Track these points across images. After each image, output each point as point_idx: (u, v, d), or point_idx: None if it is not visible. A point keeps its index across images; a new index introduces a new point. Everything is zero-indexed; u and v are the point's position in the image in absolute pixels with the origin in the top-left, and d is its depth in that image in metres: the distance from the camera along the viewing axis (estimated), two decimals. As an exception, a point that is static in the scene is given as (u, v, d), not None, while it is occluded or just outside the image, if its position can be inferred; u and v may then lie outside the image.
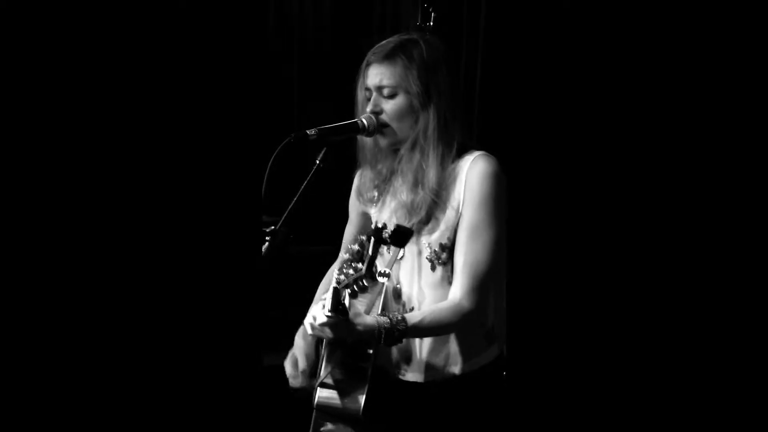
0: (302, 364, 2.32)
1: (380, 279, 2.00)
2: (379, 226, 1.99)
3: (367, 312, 2.20)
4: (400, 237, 1.98)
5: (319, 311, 2.12)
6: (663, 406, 3.12)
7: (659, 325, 3.13)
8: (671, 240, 3.11)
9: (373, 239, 1.98)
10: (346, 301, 2.05)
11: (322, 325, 2.11)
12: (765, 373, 2.97)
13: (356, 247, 2.08)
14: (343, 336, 2.13)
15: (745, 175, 2.98)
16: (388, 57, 2.29)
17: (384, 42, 2.34)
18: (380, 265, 2.19)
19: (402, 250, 2.25)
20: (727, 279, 3.01)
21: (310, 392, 2.28)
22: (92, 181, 1.67)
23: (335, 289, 2.04)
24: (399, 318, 2.15)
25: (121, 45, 1.64)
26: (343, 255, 2.58)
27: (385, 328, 2.12)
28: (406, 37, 2.35)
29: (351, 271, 2.03)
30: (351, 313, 2.09)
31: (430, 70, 2.28)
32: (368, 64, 2.32)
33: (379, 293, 2.24)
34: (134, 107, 1.69)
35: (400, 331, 2.15)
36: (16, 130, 1.61)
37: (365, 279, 2.00)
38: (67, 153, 1.67)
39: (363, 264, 2.00)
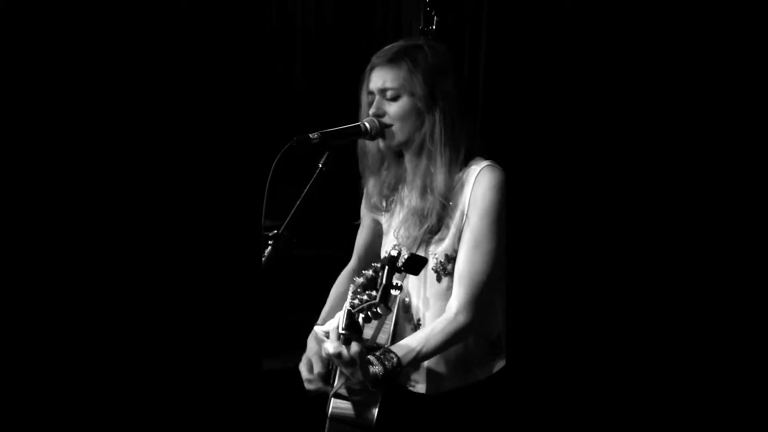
0: (317, 367, 2.31)
1: (393, 292, 1.99)
2: (393, 253, 1.98)
3: (374, 337, 2.20)
4: (414, 265, 1.97)
5: (332, 329, 2.12)
6: (665, 411, 3.11)
7: (662, 333, 3.12)
8: (674, 246, 3.10)
9: (387, 267, 1.97)
10: (360, 320, 2.05)
11: (333, 349, 2.10)
12: (765, 373, 2.96)
13: (370, 272, 2.04)
14: (349, 372, 2.13)
15: (745, 176, 2.97)
16: (392, 60, 2.27)
17: (388, 46, 2.33)
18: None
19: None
20: (727, 279, 3.00)
21: (325, 394, 2.28)
22: (91, 186, 1.66)
23: (349, 311, 2.04)
24: (394, 363, 2.14)
25: (117, 44, 1.63)
26: (354, 261, 2.59)
27: (381, 376, 2.13)
28: (411, 42, 2.34)
29: (365, 297, 2.01)
30: (356, 349, 2.08)
31: (436, 75, 2.27)
32: (372, 68, 2.31)
33: (390, 317, 2.24)
34: (132, 108, 1.68)
35: (397, 372, 2.15)
36: (16, 130, 1.60)
37: (378, 307, 1.99)
38: (64, 160, 1.67)
39: (377, 292, 1.99)
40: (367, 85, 2.31)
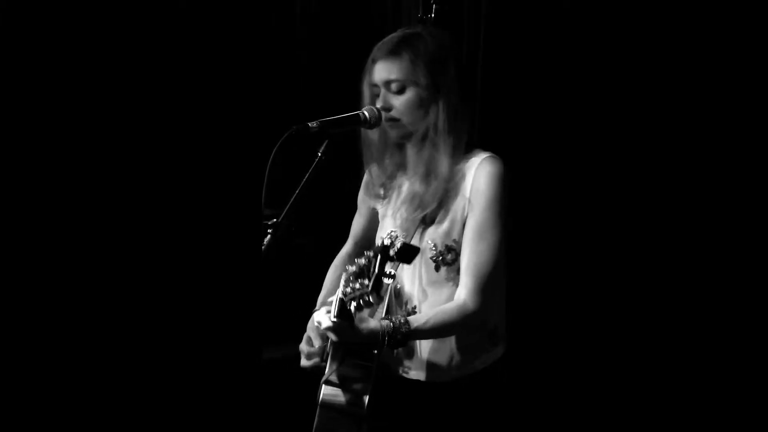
0: (317, 341, 2.32)
1: (385, 281, 1.99)
2: (386, 242, 1.99)
3: (370, 316, 2.21)
4: (407, 254, 1.97)
5: (323, 316, 2.14)
6: (663, 407, 3.12)
7: (660, 325, 3.13)
8: (672, 241, 3.10)
9: (379, 256, 1.97)
10: (352, 308, 2.06)
11: (327, 329, 2.13)
12: (765, 373, 2.96)
13: (363, 261, 2.04)
14: (348, 339, 2.14)
15: (745, 175, 2.97)
16: (393, 52, 2.28)
17: (388, 38, 2.33)
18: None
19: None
20: (727, 279, 3.00)
21: (322, 370, 2.29)
22: (90, 173, 1.67)
23: (341, 300, 2.04)
24: (402, 321, 2.16)
25: (119, 32, 1.63)
26: (350, 244, 2.60)
27: (388, 332, 2.14)
28: (409, 31, 2.34)
29: (357, 286, 2.01)
30: (356, 319, 2.09)
31: (437, 63, 2.27)
32: (374, 61, 2.31)
33: (382, 306, 2.25)
34: (133, 98, 1.69)
35: (404, 334, 2.16)
36: (16, 130, 1.61)
37: (371, 296, 2.00)
38: (66, 147, 1.67)
39: (369, 281, 1.99)
40: (371, 78, 2.31)
